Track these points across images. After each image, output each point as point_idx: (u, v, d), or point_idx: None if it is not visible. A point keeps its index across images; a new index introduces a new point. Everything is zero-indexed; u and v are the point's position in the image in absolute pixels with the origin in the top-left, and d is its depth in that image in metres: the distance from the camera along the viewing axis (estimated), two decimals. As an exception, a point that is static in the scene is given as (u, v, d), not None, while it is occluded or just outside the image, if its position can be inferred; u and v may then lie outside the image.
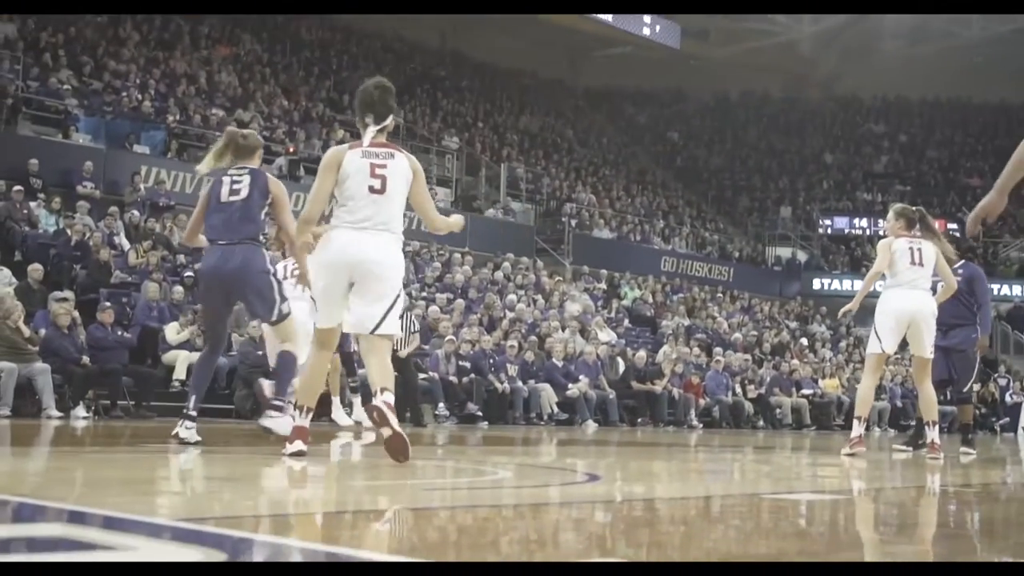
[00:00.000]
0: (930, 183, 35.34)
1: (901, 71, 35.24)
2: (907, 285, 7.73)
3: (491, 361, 15.23)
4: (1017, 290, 29.84)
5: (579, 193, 27.61)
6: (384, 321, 5.13)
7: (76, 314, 11.95)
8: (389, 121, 5.36)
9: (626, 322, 21.21)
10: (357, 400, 10.45)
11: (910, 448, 9.21)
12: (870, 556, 2.84)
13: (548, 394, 15.56)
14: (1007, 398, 22.62)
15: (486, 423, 14.19)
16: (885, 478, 6.44)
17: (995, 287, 25.73)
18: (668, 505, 4.13)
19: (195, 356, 10.98)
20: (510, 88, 34.26)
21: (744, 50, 36.62)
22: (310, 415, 5.44)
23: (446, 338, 14.89)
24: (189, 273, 14.28)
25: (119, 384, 11.77)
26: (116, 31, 22.33)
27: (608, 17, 33.16)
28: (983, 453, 9.64)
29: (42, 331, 11.54)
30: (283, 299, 6.20)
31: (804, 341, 23.76)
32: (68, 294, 12.65)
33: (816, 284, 30.44)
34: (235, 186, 6.16)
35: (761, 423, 18.47)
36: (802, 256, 31.90)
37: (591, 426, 15.25)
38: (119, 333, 12.27)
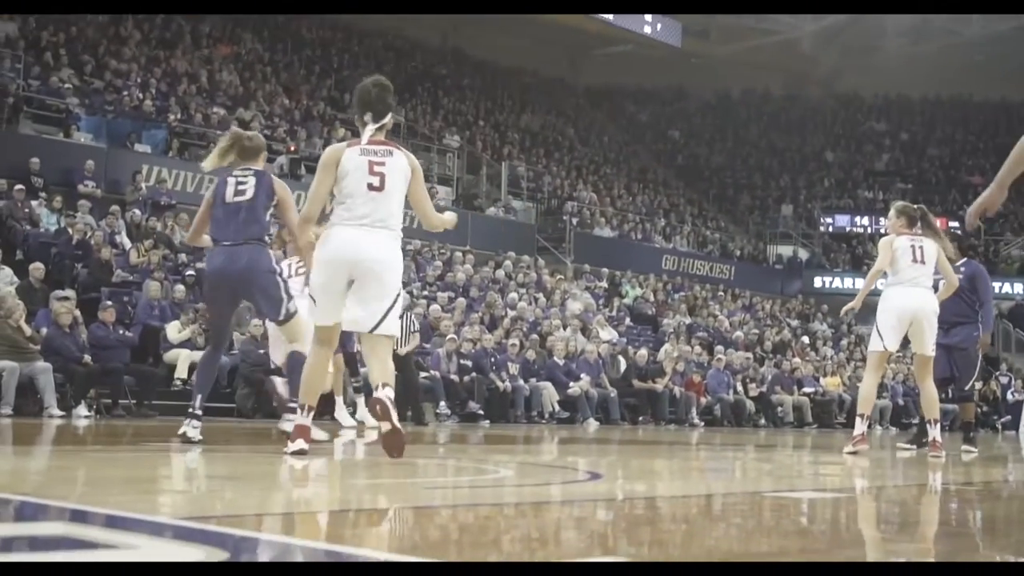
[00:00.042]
0: (931, 181, 35.34)
1: (902, 69, 35.22)
2: (909, 283, 7.72)
3: (492, 360, 15.23)
4: (1018, 288, 29.81)
5: (580, 191, 27.61)
6: (384, 321, 5.14)
7: (77, 313, 11.95)
8: (388, 119, 5.37)
9: (627, 320, 21.21)
10: (360, 400, 10.46)
11: (914, 446, 9.21)
12: (872, 554, 2.84)
13: (549, 393, 15.57)
14: (1008, 396, 22.61)
15: (487, 422, 14.20)
16: (887, 476, 6.44)
17: (996, 285, 25.62)
18: (670, 503, 4.13)
19: (196, 355, 11.02)
20: (511, 86, 34.24)
21: (745, 48, 36.59)
22: (312, 413, 5.45)
23: (447, 337, 14.89)
24: (190, 272, 14.29)
25: (121, 383, 11.78)
26: (117, 30, 22.33)
27: (609, 16, 33.16)
28: (984, 451, 9.64)
29: (44, 330, 11.55)
30: (289, 298, 6.20)
31: (805, 339, 23.76)
32: (69, 293, 12.66)
33: (817, 282, 30.45)
34: (240, 187, 6.17)
35: (762, 421, 18.47)
36: (803, 254, 31.89)
37: (592, 424, 15.25)
38: (120, 332, 12.28)
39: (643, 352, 17.78)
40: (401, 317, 7.51)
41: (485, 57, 34.33)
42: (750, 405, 18.53)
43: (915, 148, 37.54)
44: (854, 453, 7.67)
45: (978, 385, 16.07)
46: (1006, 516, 4.24)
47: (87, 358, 11.44)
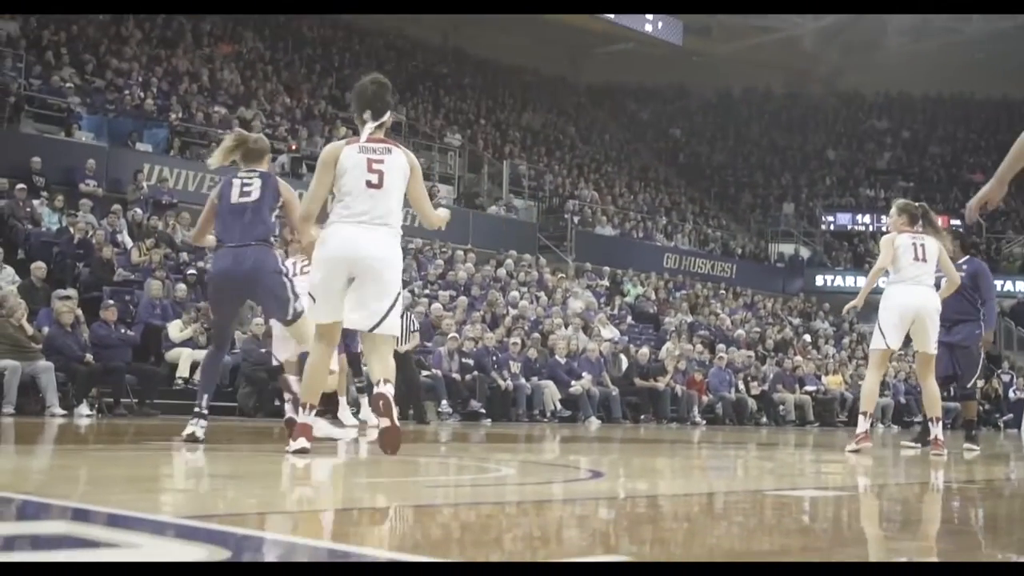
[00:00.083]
0: (933, 179, 35.33)
1: (903, 67, 35.18)
2: (911, 281, 7.72)
3: (494, 358, 15.23)
4: (1020, 285, 29.77)
5: (581, 190, 27.60)
6: (385, 320, 5.15)
7: (79, 312, 11.97)
8: (387, 117, 5.37)
9: (629, 319, 21.20)
10: (364, 400, 10.46)
11: (918, 445, 9.20)
12: (874, 552, 2.84)
13: (551, 391, 15.57)
14: (1011, 394, 22.61)
15: (489, 420, 14.20)
16: (888, 474, 6.44)
17: (998, 283, 25.54)
18: (671, 502, 4.13)
19: (198, 353, 11.04)
20: (512, 85, 34.23)
21: (746, 46, 36.56)
22: (313, 411, 5.46)
23: (449, 335, 14.88)
24: (192, 271, 14.30)
25: (122, 382, 11.79)
26: (118, 29, 22.33)
27: (610, 14, 33.13)
28: (987, 449, 9.63)
29: (45, 329, 11.56)
30: (296, 297, 6.21)
31: (807, 337, 23.75)
32: (71, 292, 12.68)
33: (819, 280, 30.44)
34: (245, 188, 6.17)
35: (764, 420, 18.47)
36: (805, 252, 31.88)
37: (594, 423, 15.25)
38: (122, 331, 12.29)
39: (645, 350, 17.78)
40: (401, 316, 7.48)
41: (486, 56, 34.31)
42: (752, 403, 18.53)
43: (916, 146, 37.52)
44: (856, 451, 7.67)
45: (980, 383, 16.01)
46: (1008, 514, 4.24)
47: (89, 357, 11.45)
